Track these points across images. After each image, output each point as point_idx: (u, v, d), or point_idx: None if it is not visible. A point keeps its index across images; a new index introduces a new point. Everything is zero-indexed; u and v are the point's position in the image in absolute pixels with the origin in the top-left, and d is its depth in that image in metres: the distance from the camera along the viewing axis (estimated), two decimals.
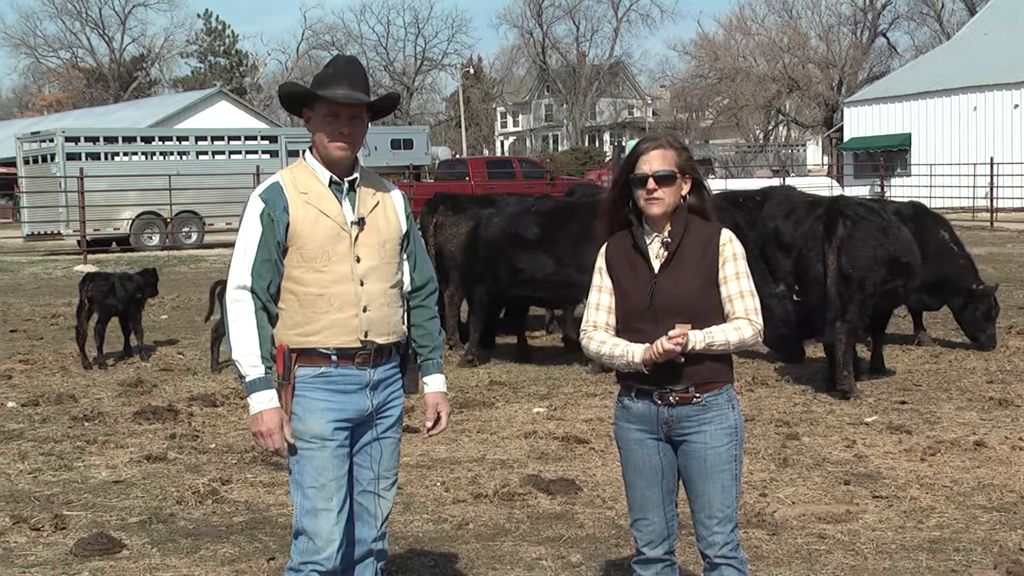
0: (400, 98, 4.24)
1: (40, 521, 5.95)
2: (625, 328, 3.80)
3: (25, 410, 9.02)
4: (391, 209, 3.96)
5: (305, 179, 3.85)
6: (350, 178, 3.87)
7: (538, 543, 5.63)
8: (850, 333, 8.99)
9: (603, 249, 3.91)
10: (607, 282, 3.86)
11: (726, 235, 3.79)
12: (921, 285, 10.91)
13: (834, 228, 8.96)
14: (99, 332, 10.93)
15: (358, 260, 3.82)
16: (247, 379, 3.71)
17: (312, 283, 3.79)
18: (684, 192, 3.81)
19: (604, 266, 3.88)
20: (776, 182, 29.51)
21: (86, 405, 9.12)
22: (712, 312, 3.73)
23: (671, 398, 3.74)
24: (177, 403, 9.06)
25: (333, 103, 3.77)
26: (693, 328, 3.66)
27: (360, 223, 3.84)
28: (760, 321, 3.76)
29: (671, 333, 3.61)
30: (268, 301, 3.77)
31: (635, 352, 3.70)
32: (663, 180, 3.74)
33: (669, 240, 3.77)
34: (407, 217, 4.02)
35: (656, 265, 3.77)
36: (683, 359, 3.66)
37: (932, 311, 11.68)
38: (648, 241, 3.81)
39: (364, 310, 3.82)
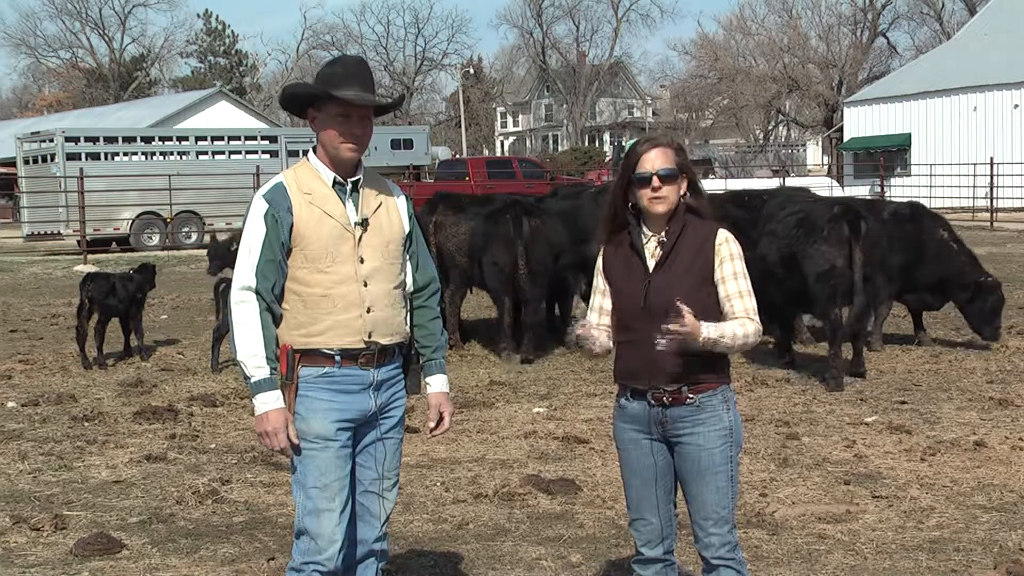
0: (404, 99, 4.24)
1: (40, 521, 5.95)
2: (620, 327, 3.81)
3: (25, 410, 9.02)
4: (394, 210, 3.96)
5: (308, 180, 3.84)
6: (354, 179, 3.86)
7: (538, 543, 5.63)
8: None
9: (602, 251, 3.93)
10: (602, 284, 3.89)
11: (722, 235, 3.78)
12: (922, 285, 10.98)
13: (859, 227, 9.40)
14: (99, 332, 10.94)
15: (362, 261, 3.81)
16: (252, 380, 3.71)
17: (316, 284, 3.78)
18: (682, 192, 3.81)
19: (602, 268, 3.91)
20: (776, 182, 29.53)
21: (86, 405, 9.12)
22: (705, 312, 3.69)
23: (664, 399, 3.75)
24: (177, 403, 9.06)
25: (345, 104, 3.75)
26: None
27: (364, 224, 3.83)
28: (758, 320, 3.77)
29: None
30: (272, 302, 3.76)
31: (599, 343, 3.82)
32: (667, 178, 3.75)
33: (665, 240, 3.78)
34: (410, 218, 4.01)
35: (651, 264, 3.78)
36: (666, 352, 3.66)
37: (933, 311, 11.69)
38: (645, 241, 3.82)
39: (368, 311, 3.81)
